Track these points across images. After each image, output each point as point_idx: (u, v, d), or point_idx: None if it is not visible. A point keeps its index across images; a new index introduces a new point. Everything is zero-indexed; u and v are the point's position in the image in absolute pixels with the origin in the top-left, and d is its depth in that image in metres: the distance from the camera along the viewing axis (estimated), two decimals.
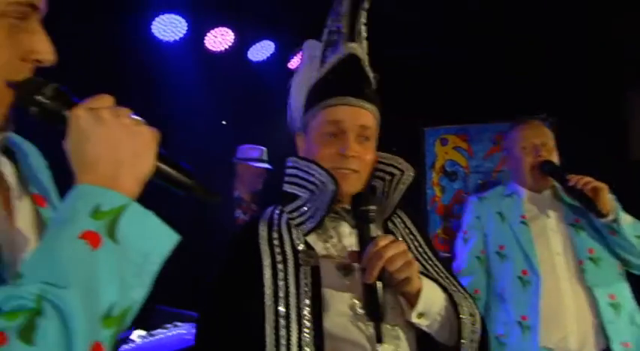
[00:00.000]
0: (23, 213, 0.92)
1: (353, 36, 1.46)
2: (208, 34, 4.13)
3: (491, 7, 4.07)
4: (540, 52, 4.62)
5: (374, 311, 1.24)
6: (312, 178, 1.39)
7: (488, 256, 2.47)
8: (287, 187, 1.48)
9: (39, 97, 0.82)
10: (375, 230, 1.31)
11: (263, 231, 1.41)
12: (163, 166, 0.87)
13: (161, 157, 0.86)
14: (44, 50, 0.85)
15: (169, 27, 3.74)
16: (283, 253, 1.36)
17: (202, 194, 0.90)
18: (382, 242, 1.25)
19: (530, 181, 2.45)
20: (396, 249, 1.24)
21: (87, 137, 0.79)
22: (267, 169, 4.35)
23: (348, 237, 1.42)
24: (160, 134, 0.86)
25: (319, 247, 1.40)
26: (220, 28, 4.15)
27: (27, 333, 0.65)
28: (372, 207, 1.31)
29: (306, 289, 1.30)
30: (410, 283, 1.27)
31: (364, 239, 1.29)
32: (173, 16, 3.74)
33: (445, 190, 5.61)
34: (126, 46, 3.50)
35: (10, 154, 0.95)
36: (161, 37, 3.77)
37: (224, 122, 4.72)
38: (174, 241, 0.82)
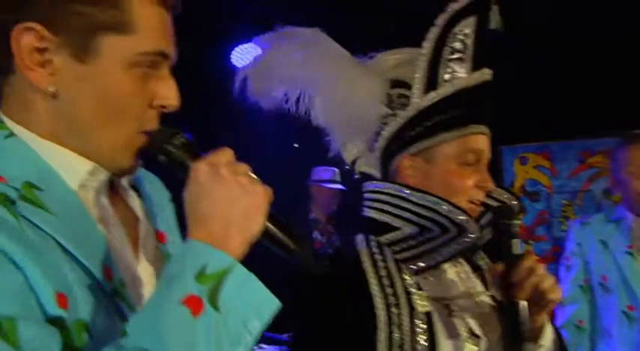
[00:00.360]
0: (147, 248, 0.96)
1: (481, 59, 1.35)
2: None
3: (570, 11, 3.89)
4: (630, 60, 4.31)
5: (519, 332, 1.17)
6: (432, 215, 1.25)
7: (592, 286, 2.35)
8: (376, 215, 1.35)
9: (168, 147, 0.87)
10: (518, 246, 1.23)
11: (367, 266, 1.29)
12: (272, 228, 0.85)
13: (271, 217, 0.85)
14: (171, 96, 0.89)
15: (246, 56, 3.88)
16: (395, 295, 1.25)
17: (306, 261, 0.88)
18: (533, 257, 1.22)
19: (639, 207, 2.29)
20: (544, 267, 1.20)
21: (204, 193, 0.82)
22: (340, 189, 4.39)
23: (468, 280, 1.35)
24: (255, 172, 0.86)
25: (431, 287, 1.31)
26: None
27: None
28: (517, 221, 1.25)
29: (423, 337, 1.23)
30: (549, 307, 1.23)
31: (509, 255, 1.22)
32: (251, 44, 3.89)
33: (526, 211, 5.39)
34: (207, 75, 3.66)
35: (136, 188, 1.01)
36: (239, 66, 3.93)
37: (296, 145, 4.82)
38: (274, 308, 0.81)
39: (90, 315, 0.80)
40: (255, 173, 0.86)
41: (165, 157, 0.87)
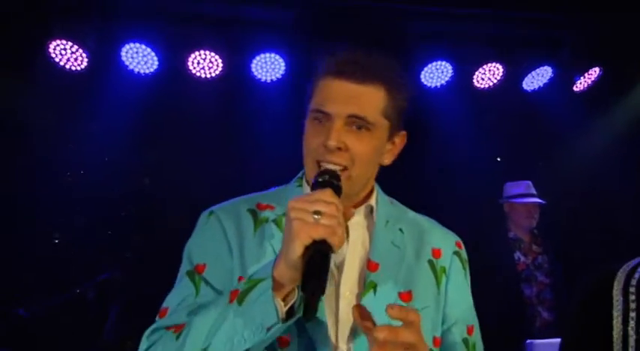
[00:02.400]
0: None
1: None
2: (476, 72, 4.07)
3: None
4: None
5: None
6: None
7: None
8: None
9: (326, 176, 1.21)
10: None
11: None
12: (308, 261, 1.06)
13: (312, 252, 1.06)
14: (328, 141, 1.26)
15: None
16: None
17: (307, 303, 1.14)
18: None
19: None
20: None
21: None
22: (538, 203, 4.00)
23: None
24: None
25: None
26: (489, 64, 4.05)
27: None
28: None
29: None
30: None
31: None
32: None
33: None
34: None
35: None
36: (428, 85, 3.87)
37: (498, 159, 4.55)
38: (273, 320, 1.09)
39: None
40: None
41: (321, 180, 1.22)
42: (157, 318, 1.29)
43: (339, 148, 1.25)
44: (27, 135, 3.83)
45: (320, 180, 1.20)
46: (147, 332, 1.25)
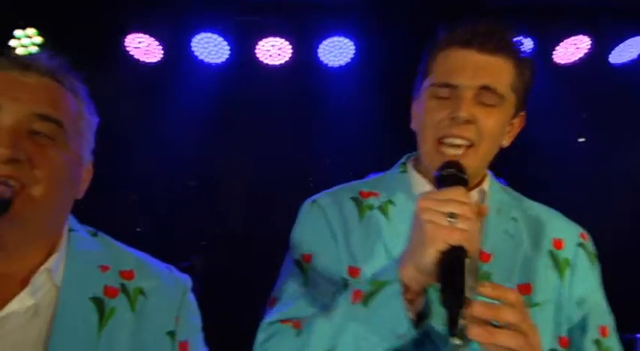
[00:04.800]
0: None
1: None
2: (557, 47, 3.83)
3: None
4: None
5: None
6: None
7: None
8: None
9: (451, 170, 1.10)
10: None
11: None
12: (444, 269, 0.96)
13: (448, 259, 0.96)
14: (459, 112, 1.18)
15: None
16: None
17: (452, 318, 0.93)
18: None
19: None
20: None
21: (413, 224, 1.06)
22: None
23: None
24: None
25: None
26: (572, 38, 3.78)
27: None
28: None
29: None
30: None
31: None
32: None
33: None
34: None
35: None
36: None
37: (582, 139, 4.27)
38: (405, 327, 1.00)
39: None
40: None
41: (451, 171, 1.11)
42: (267, 308, 1.28)
43: (468, 121, 1.16)
44: (106, 129, 3.97)
45: (444, 174, 1.09)
46: (263, 324, 1.23)
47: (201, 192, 4.34)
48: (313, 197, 1.39)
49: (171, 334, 1.12)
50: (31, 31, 3.64)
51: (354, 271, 1.24)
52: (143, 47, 3.85)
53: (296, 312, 1.20)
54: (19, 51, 3.62)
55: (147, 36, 3.82)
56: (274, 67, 4.04)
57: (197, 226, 4.25)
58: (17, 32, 3.63)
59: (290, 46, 4.03)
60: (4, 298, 0.98)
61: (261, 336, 1.21)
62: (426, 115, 1.21)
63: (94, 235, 1.18)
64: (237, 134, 4.31)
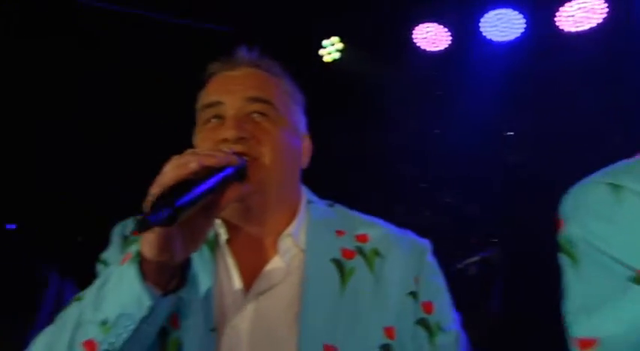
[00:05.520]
0: None
1: None
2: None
3: None
4: None
5: None
6: None
7: None
8: None
9: None
10: None
11: None
12: None
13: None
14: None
15: None
16: None
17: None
18: None
19: None
20: None
21: None
22: None
23: None
24: None
25: None
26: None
27: None
28: None
29: None
30: None
31: None
32: None
33: None
34: None
35: None
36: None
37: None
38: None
39: None
40: None
41: None
42: None
43: None
44: (395, 121, 4.11)
45: None
46: None
47: (496, 180, 4.07)
48: (616, 181, 0.98)
49: (414, 294, 1.15)
50: (334, 38, 4.07)
51: None
52: (431, 36, 3.81)
53: None
54: (326, 58, 4.10)
55: (436, 24, 3.78)
56: (577, 34, 3.48)
57: (491, 216, 4.02)
58: (325, 42, 4.11)
59: (606, 5, 3.44)
60: (263, 260, 1.17)
61: None
62: None
63: (331, 206, 1.30)
64: (537, 117, 3.87)
